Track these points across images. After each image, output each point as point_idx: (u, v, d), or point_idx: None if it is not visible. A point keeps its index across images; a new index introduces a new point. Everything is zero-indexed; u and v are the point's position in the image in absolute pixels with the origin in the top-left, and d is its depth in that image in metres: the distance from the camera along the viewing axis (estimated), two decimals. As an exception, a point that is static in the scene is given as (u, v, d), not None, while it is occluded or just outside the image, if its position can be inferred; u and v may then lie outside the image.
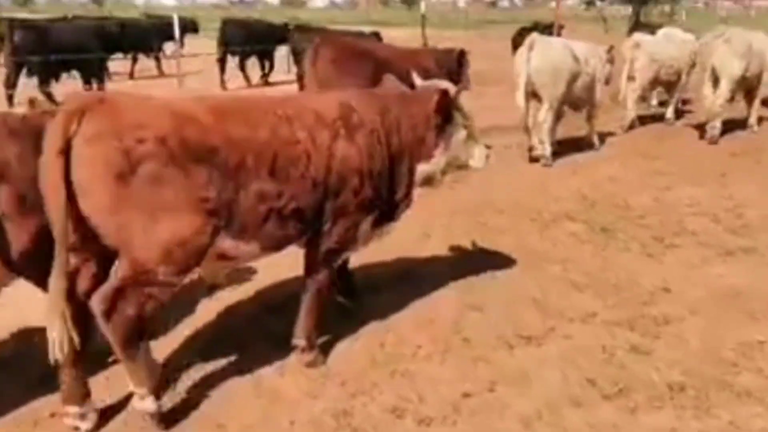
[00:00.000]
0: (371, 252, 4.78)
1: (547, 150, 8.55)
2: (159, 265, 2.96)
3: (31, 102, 3.63)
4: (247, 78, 16.39)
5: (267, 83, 16.74)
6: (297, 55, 13.72)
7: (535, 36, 8.37)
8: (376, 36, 14.25)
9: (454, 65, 8.35)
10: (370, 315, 4.43)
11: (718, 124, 9.97)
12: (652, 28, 16.94)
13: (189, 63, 18.10)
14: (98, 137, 2.79)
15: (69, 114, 2.79)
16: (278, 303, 4.55)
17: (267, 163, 3.24)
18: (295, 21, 18.21)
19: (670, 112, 11.55)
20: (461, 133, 4.13)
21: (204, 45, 20.91)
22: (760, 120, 11.06)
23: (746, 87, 10.30)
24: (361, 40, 8.97)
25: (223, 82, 15.76)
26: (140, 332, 3.11)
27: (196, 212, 2.99)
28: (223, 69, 16.00)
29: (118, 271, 3.01)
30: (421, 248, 5.62)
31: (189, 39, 22.72)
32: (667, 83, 11.33)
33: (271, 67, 17.14)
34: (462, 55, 8.53)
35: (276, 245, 3.50)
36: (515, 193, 7.33)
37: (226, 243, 3.22)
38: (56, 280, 2.85)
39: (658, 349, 3.99)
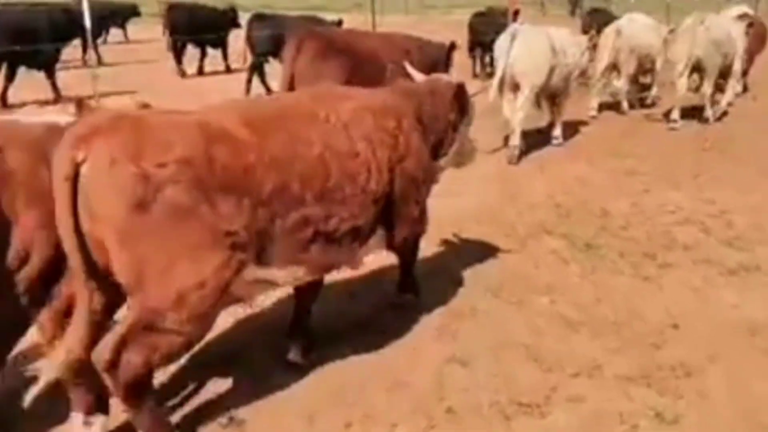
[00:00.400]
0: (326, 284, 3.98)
1: (516, 140, 8.03)
2: (170, 311, 2.57)
3: (79, 103, 3.34)
4: (182, 70, 15.12)
5: (201, 73, 15.51)
6: (253, 45, 12.72)
7: (516, 25, 8.03)
8: (339, 25, 13.35)
9: (443, 58, 7.84)
10: (330, 377, 3.61)
11: (710, 110, 10.09)
12: (608, 15, 16.46)
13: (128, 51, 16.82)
14: (113, 162, 2.44)
15: (79, 135, 2.48)
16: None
17: (316, 180, 2.95)
18: (232, 6, 16.92)
19: (625, 105, 11.12)
20: (469, 130, 4.08)
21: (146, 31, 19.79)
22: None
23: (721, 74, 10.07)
24: (346, 31, 8.28)
25: (181, 70, 14.99)
26: (148, 383, 2.75)
27: (218, 249, 2.61)
28: (176, 57, 15.03)
29: (127, 317, 2.63)
30: (384, 276, 4.77)
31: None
32: (643, 71, 11.15)
33: (225, 55, 16.01)
34: (452, 48, 8.05)
35: (327, 267, 3.30)
36: (485, 199, 6.58)
37: (258, 272, 2.89)
38: (78, 312, 2.56)
39: (685, 415, 3.27)
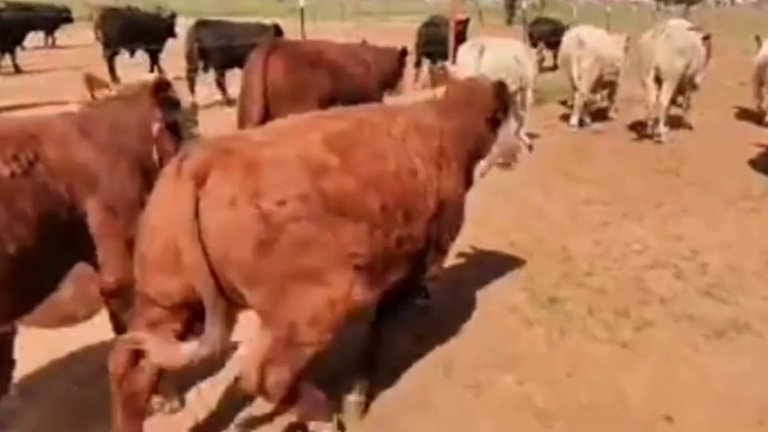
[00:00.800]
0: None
1: None
2: (307, 329, 2.65)
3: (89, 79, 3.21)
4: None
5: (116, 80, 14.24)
6: (203, 54, 11.81)
7: (483, 39, 7.78)
8: (277, 29, 12.46)
9: (395, 65, 7.58)
10: None
11: (662, 126, 9.63)
12: (555, 24, 16.07)
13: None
14: (233, 202, 2.41)
15: (195, 174, 2.41)
16: None
17: (401, 201, 2.97)
18: (163, 11, 15.79)
19: (574, 120, 10.57)
20: (512, 125, 3.90)
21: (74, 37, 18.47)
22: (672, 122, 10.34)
23: (682, 86, 9.81)
24: (310, 42, 7.89)
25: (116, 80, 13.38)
26: (297, 385, 2.78)
27: (345, 271, 2.69)
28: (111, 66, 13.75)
29: (263, 340, 2.66)
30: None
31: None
32: (607, 83, 10.81)
33: (157, 64, 14.91)
34: (403, 54, 7.70)
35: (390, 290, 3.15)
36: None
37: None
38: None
39: None
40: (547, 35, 15.84)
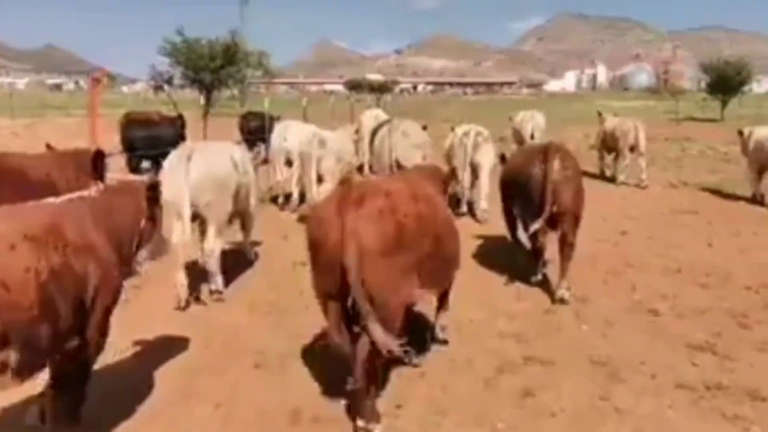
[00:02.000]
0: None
1: (220, 284, 6.72)
2: (394, 309, 4.11)
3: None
4: None
5: None
6: None
7: (190, 144, 6.93)
8: None
9: (89, 166, 7.11)
10: None
11: None
12: (263, 117, 15.07)
13: None
14: (381, 213, 4.05)
15: (357, 199, 4.09)
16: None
17: (443, 227, 4.74)
18: None
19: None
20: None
21: None
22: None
23: None
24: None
25: None
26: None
27: (416, 271, 4.29)
28: None
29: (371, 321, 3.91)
30: None
31: None
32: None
33: None
34: (98, 156, 7.22)
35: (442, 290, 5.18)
36: None
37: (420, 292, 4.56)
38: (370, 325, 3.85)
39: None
40: (256, 129, 14.91)
